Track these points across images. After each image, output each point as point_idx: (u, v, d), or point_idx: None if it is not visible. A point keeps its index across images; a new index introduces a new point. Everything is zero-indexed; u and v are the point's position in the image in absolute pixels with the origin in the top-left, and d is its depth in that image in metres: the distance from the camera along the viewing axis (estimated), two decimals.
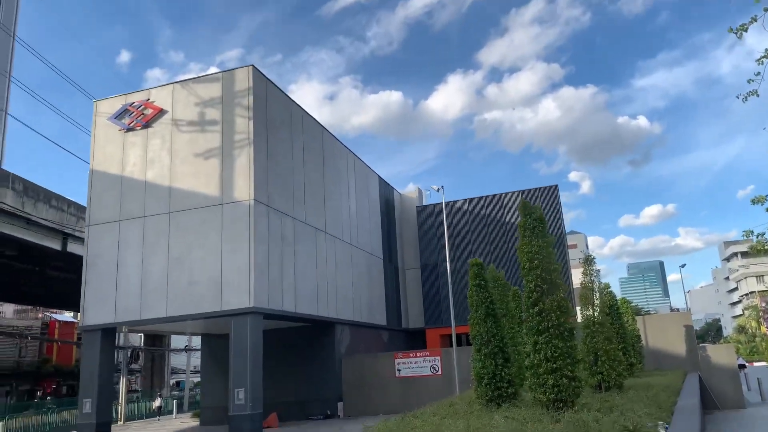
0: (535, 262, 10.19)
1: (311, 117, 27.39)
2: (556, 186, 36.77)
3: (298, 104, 25.98)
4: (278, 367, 27.49)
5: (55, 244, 29.97)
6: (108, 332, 22.36)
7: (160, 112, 23.11)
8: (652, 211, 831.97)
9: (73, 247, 30.52)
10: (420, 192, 40.42)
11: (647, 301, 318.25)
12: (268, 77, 23.70)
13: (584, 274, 14.30)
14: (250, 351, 20.28)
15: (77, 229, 30.22)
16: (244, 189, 21.44)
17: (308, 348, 27.45)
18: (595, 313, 13.92)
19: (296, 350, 27.55)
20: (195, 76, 23.10)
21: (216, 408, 27.44)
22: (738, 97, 10.94)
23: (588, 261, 14.32)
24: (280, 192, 23.44)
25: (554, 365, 9.59)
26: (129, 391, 45.67)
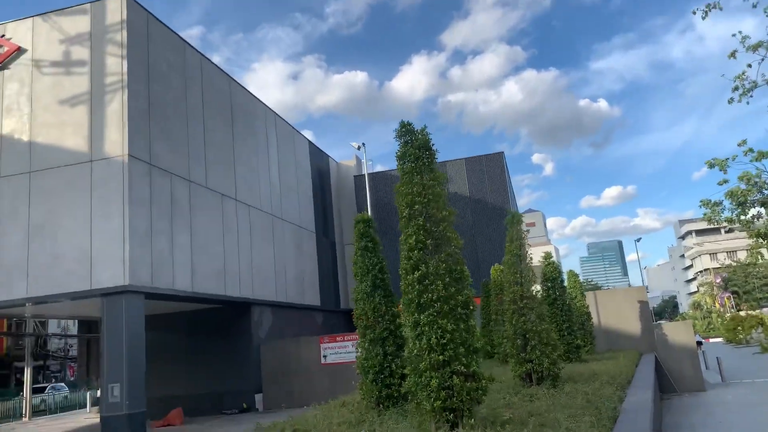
0: (416, 207, 6.87)
1: (214, 65, 23.50)
2: (502, 153, 33.85)
3: (195, 48, 22.05)
4: (187, 356, 23.91)
5: None
6: None
7: (18, 51, 18.95)
8: (612, 192, 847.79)
9: None
10: (358, 160, 36.90)
11: (607, 279, 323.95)
12: (154, 15, 19.74)
13: (509, 240, 11.13)
14: (126, 339, 16.64)
15: None
16: (116, 142, 17.60)
17: (221, 333, 23.90)
18: (526, 286, 10.77)
19: (207, 336, 23.98)
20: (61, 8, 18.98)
21: None
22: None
23: (515, 220, 11.14)
24: (170, 149, 19.64)
25: (441, 357, 6.34)
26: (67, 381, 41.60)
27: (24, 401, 32.08)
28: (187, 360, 23.76)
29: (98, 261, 17.07)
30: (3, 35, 19.14)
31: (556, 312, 15.94)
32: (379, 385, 8.53)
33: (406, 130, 7.26)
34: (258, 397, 23.41)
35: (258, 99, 27.11)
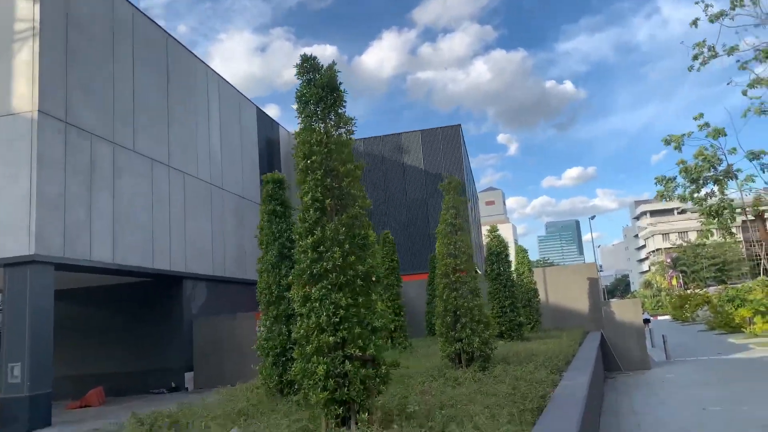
0: (315, 158, 5.69)
1: (148, 18, 21.60)
2: (459, 126, 32.86)
3: None
4: (110, 333, 22.39)
5: None
6: None
7: None
8: (573, 173, 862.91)
9: None
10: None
11: (563, 257, 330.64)
12: None
13: (445, 208, 10.09)
14: (30, 314, 15.08)
15: None
16: (25, 97, 15.78)
17: (149, 308, 22.41)
18: (460, 258, 9.77)
19: (133, 311, 22.45)
20: None
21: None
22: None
23: (451, 186, 10.10)
24: (91, 108, 17.88)
25: (332, 338, 5.24)
26: None
27: None
28: (110, 337, 22.23)
29: (1, 228, 15.38)
30: None
31: (499, 288, 15.15)
32: (280, 369, 7.45)
33: (309, 66, 6.03)
34: (188, 375, 22.10)
35: (199, 59, 25.27)
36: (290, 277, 5.57)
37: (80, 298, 22.37)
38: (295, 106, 5.99)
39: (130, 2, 20.45)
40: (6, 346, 15.13)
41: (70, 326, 22.19)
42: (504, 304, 15.10)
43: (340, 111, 5.87)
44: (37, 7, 16.09)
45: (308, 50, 7.24)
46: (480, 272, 18.83)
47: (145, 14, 21.38)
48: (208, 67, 25.91)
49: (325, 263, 5.38)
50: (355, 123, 5.84)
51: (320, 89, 5.84)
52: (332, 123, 5.84)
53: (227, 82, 27.36)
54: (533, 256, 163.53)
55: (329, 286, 5.35)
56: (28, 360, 14.85)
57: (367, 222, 5.80)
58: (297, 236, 5.55)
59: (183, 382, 21.96)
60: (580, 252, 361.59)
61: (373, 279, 5.50)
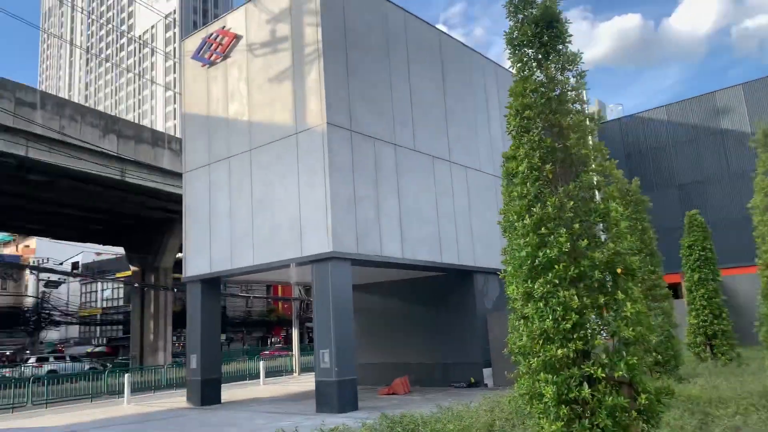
0: (528, 113, 4.42)
1: (419, 20, 22.13)
2: None
3: (395, 4, 20.96)
4: (412, 325, 23.56)
5: None
6: (208, 283, 20.70)
7: (236, 39, 20.26)
8: None
9: None
10: (601, 106, 32.10)
11: None
12: None
13: (764, 166, 7.38)
14: (333, 306, 16.63)
15: None
16: (316, 112, 17.56)
17: (441, 302, 22.94)
18: None
19: (427, 305, 23.27)
20: None
21: None
22: None
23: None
24: (372, 113, 19.03)
25: (561, 350, 3.90)
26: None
27: (294, 359, 36.09)
28: (412, 329, 23.36)
29: (307, 230, 17.37)
30: (224, 27, 20.70)
31: None
32: None
33: (520, 3, 4.75)
34: (486, 371, 21.84)
35: (474, 50, 25.09)
36: (506, 269, 4.37)
37: (378, 292, 24.17)
38: (507, 53, 4.77)
39: (402, 8, 21.28)
40: (317, 334, 16.98)
41: (379, 317, 24.20)
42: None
43: (561, 48, 4.43)
44: (319, 30, 17.76)
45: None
46: None
47: (417, 17, 22.02)
48: (484, 57, 25.52)
49: (548, 250, 4.04)
50: (581, 58, 4.32)
51: (533, 25, 4.50)
52: (553, 66, 4.44)
53: (505, 68, 26.57)
54: None
55: (555, 281, 3.99)
56: (334, 348, 16.34)
57: (611, 191, 4.23)
58: (511, 218, 4.32)
59: (482, 378, 21.84)
60: None
61: (620, 271, 3.92)
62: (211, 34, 20.97)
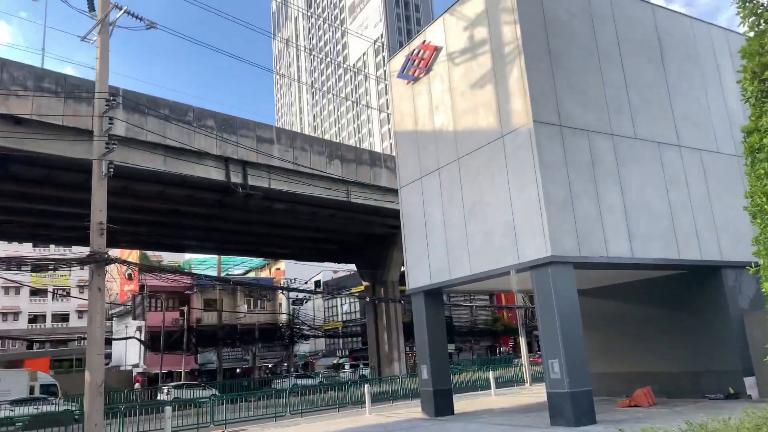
0: None
1: None
2: None
3: None
4: (651, 330, 21.32)
5: None
6: (430, 294, 21.15)
7: (436, 51, 20.64)
8: None
9: None
10: None
11: None
12: None
13: None
14: (558, 313, 15.75)
15: None
16: (521, 112, 16.97)
17: (683, 303, 20.33)
18: None
19: (665, 307, 20.82)
20: None
21: None
22: None
23: None
24: (582, 105, 17.78)
25: None
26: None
27: (524, 369, 35.14)
28: (652, 334, 21.08)
29: (521, 234, 16.81)
30: (424, 41, 21.29)
31: None
32: None
33: None
34: (749, 381, 18.76)
35: (696, 19, 22.10)
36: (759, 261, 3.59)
37: (607, 296, 22.35)
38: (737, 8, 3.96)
39: None
40: (543, 343, 16.24)
41: (610, 324, 22.43)
42: None
43: None
44: (517, 27, 17.21)
45: None
46: None
47: None
48: (709, 24, 22.33)
49: None
50: None
51: None
52: None
53: (738, 33, 22.86)
54: None
55: None
56: (564, 357, 15.43)
57: None
58: (757, 199, 3.54)
59: (744, 388, 18.84)
60: None
61: None
62: (414, 50, 21.72)
